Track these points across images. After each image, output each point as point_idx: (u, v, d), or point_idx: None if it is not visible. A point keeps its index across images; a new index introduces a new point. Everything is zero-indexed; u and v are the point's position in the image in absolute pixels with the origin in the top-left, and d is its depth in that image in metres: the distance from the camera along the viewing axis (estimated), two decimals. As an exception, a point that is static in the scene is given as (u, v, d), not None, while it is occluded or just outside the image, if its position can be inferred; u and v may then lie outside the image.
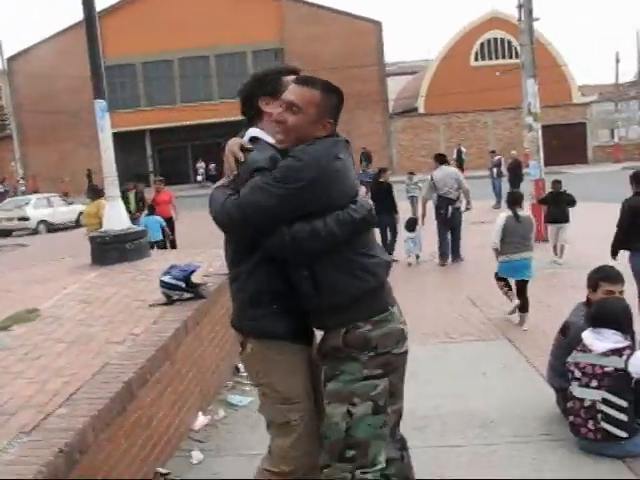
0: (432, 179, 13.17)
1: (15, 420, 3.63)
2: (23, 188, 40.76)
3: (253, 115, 3.17)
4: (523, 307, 8.30)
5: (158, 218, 14.62)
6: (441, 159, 13.64)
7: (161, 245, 14.07)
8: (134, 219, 14.47)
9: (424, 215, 13.46)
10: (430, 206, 13.43)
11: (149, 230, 13.71)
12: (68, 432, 3.38)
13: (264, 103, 3.13)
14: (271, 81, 3.14)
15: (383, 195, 12.69)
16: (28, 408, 3.79)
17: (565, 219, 12.39)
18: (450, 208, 12.80)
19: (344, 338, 2.94)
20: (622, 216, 7.69)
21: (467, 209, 13.15)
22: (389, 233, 13.41)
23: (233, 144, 3.04)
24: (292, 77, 3.09)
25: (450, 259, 13.06)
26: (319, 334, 3.15)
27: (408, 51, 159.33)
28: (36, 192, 36.19)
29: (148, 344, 4.81)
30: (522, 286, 8.35)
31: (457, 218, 12.88)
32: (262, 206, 2.79)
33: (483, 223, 16.40)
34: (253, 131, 3.11)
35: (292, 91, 2.95)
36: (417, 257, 13.33)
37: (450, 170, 13.51)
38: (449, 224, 12.90)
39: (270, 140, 3.04)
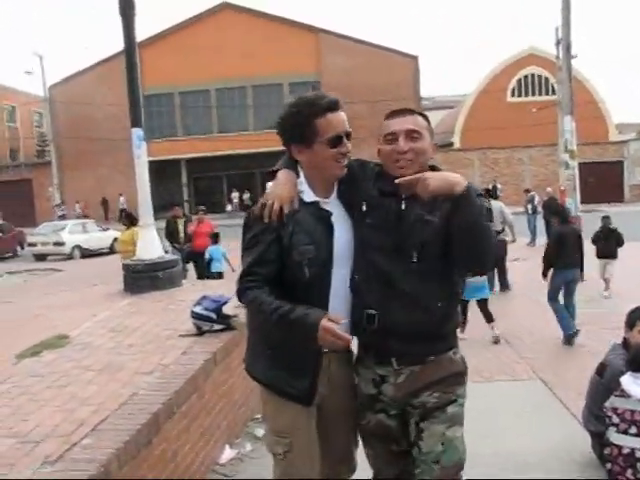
0: None
1: (40, 449, 3.60)
2: (79, 211, 41.52)
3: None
4: (489, 318, 9.53)
5: (222, 249, 13.91)
6: (488, 194, 14.12)
7: (222, 276, 13.33)
8: (181, 250, 14.15)
9: None
10: None
11: (215, 261, 13.60)
12: (92, 464, 3.33)
13: (297, 151, 2.90)
14: (302, 126, 2.82)
15: None
16: (54, 437, 3.76)
17: (614, 255, 12.83)
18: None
19: (463, 362, 3.21)
20: (550, 243, 9.40)
21: (512, 241, 13.48)
22: None
23: (282, 197, 2.84)
24: (332, 115, 2.82)
25: (497, 289, 13.39)
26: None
27: (444, 86, 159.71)
28: (86, 217, 37.03)
29: (177, 375, 4.77)
30: (484, 304, 9.62)
31: (501, 249, 12.80)
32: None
33: (516, 260, 16.22)
34: (300, 185, 2.92)
35: (404, 121, 2.92)
36: None
37: (495, 204, 13.65)
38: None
39: (308, 193, 2.90)
